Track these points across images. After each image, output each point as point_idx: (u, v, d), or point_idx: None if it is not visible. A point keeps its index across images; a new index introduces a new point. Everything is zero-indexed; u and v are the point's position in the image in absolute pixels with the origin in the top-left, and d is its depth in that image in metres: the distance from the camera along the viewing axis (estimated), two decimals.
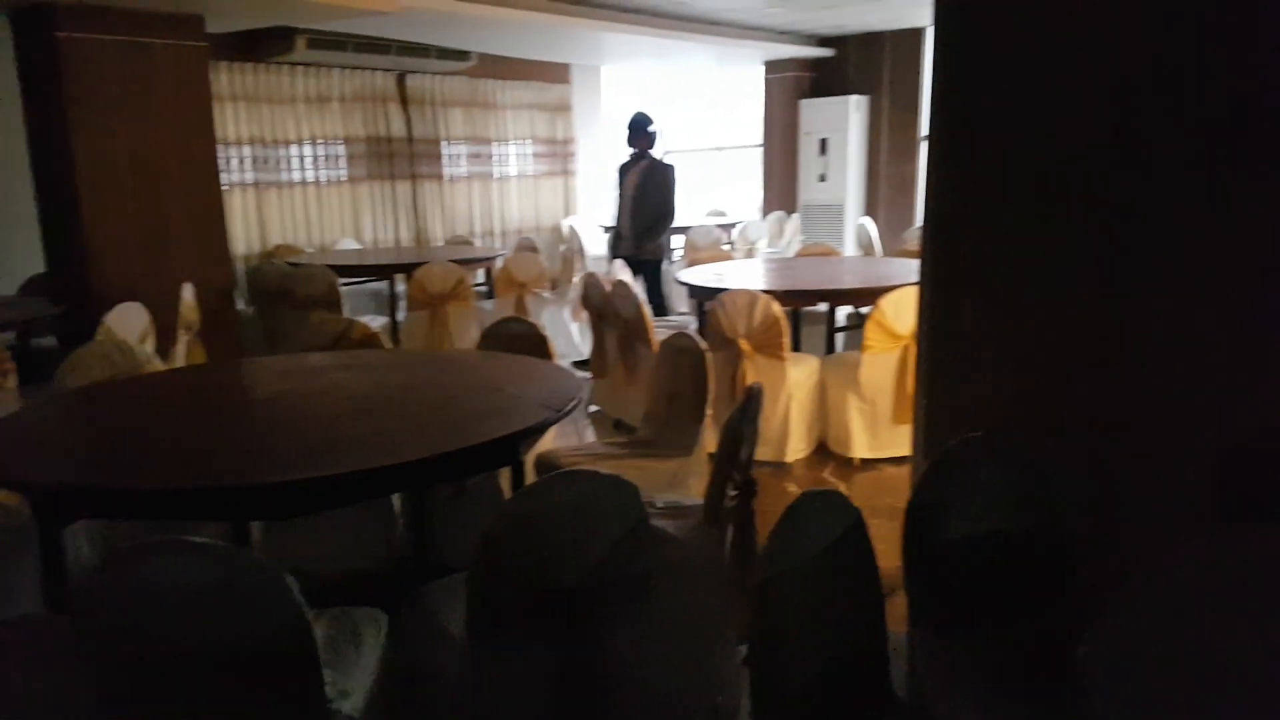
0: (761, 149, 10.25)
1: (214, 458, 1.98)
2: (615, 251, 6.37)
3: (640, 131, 6.20)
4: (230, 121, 6.69)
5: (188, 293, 4.25)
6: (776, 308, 4.02)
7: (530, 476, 2.33)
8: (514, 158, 9.10)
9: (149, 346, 3.42)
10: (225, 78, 6.60)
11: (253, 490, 1.79)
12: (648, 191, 6.15)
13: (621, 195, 6.30)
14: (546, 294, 6.19)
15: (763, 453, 3.91)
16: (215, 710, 1.52)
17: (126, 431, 2.22)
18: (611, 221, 6.55)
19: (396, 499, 2.71)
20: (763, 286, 4.36)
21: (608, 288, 4.72)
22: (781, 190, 10.03)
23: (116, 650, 1.49)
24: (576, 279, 6.45)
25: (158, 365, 2.99)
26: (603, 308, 4.76)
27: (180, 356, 3.86)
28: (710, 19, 7.83)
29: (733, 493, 2.25)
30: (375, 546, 2.62)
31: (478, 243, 8.41)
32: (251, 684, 1.55)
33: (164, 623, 1.48)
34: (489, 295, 6.42)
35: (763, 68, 9.94)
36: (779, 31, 8.81)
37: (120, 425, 2.27)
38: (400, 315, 5.87)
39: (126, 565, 1.53)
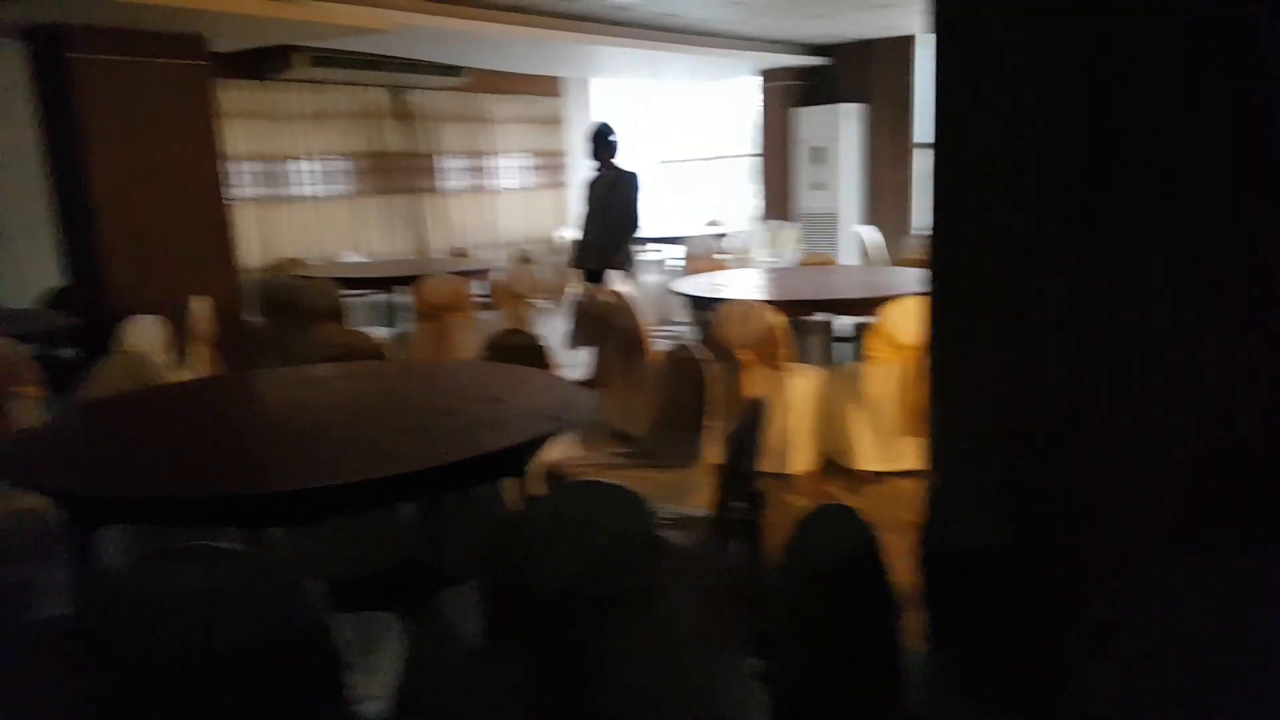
0: (756, 158, 10.36)
1: (232, 466, 2.06)
2: (581, 264, 6.28)
3: (601, 142, 6.09)
4: (236, 138, 6.79)
5: (199, 305, 4.34)
6: (776, 318, 4.07)
7: (534, 486, 2.41)
8: (508, 170, 9.20)
9: (165, 358, 3.51)
10: (230, 95, 6.70)
11: (271, 498, 1.87)
12: (613, 203, 6.06)
13: (588, 207, 6.22)
14: (545, 305, 6.27)
15: (765, 464, 3.95)
16: (238, 715, 1.59)
17: (150, 441, 2.29)
18: (578, 234, 6.48)
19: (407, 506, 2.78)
20: (762, 296, 4.40)
21: (605, 298, 4.80)
22: (778, 199, 10.13)
23: (142, 652, 1.55)
24: (571, 290, 6.53)
25: (174, 377, 3.08)
26: (601, 319, 4.85)
27: (193, 368, 3.95)
28: (701, 30, 7.92)
29: (738, 505, 2.30)
30: (389, 552, 2.69)
31: (476, 255, 8.51)
32: (274, 688, 1.61)
33: (188, 626, 1.55)
34: (489, 307, 6.51)
35: (755, 77, 10.05)
36: (771, 41, 8.91)
37: (143, 435, 2.35)
38: (405, 327, 5.95)
39: (152, 569, 1.60)
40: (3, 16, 4.37)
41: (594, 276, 5.92)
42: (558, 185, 9.78)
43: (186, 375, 3.72)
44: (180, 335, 4.08)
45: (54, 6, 4.26)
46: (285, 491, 1.85)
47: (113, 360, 3.04)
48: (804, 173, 9.79)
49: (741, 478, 2.28)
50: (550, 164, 9.66)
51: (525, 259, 7.30)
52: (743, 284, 5.17)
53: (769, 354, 4.10)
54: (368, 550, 2.67)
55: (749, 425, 2.28)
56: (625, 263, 6.19)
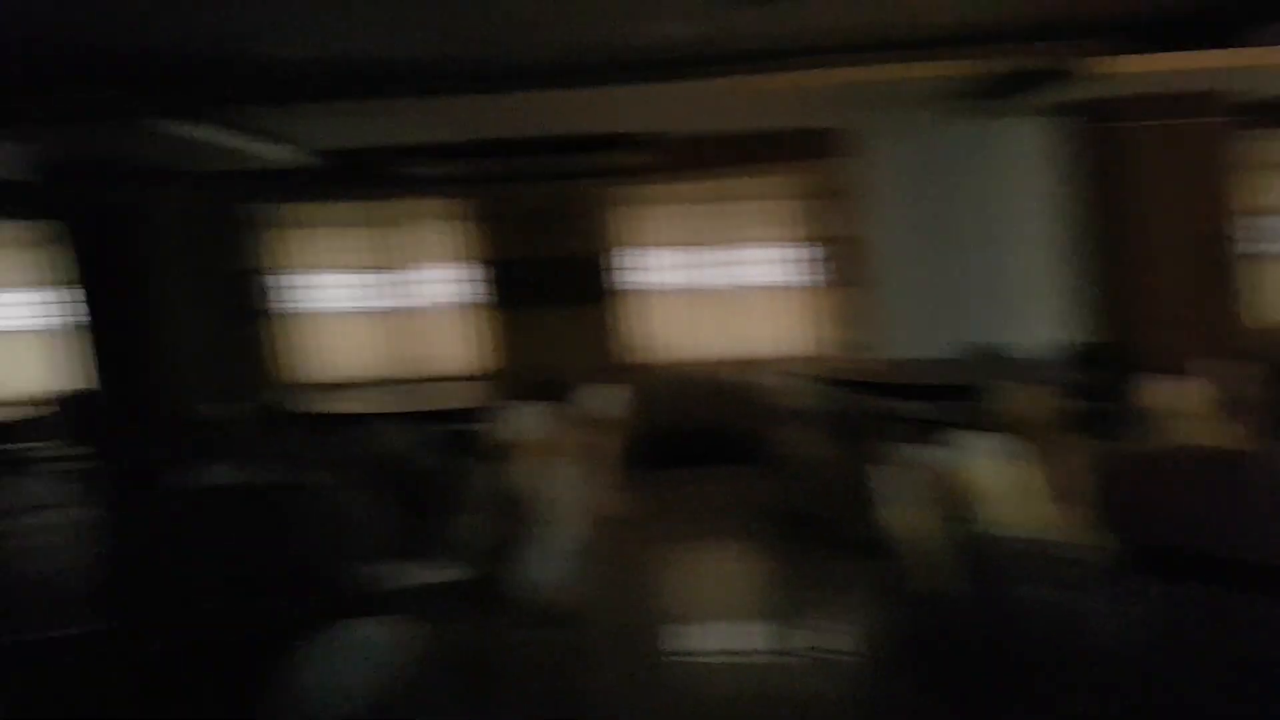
0: None
1: None
2: None
3: None
4: (1261, 191, 6.39)
5: (1246, 370, 4.18)
6: None
7: None
8: None
9: (1203, 419, 3.47)
10: (1251, 147, 6.34)
11: None
12: None
13: None
14: None
15: None
16: None
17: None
18: None
19: None
20: None
21: None
22: None
23: None
24: None
25: (1211, 440, 3.03)
26: None
27: (1228, 433, 3.78)
28: None
29: None
30: None
31: None
32: None
33: None
34: None
35: None
36: None
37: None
38: None
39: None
40: (1042, 99, 4.95)
41: None
42: None
43: (1223, 439, 3.61)
44: (1227, 398, 3.97)
45: (1099, 85, 4.66)
46: None
47: (1147, 417, 3.15)
48: None
49: None
50: None
51: None
52: None
53: None
54: None
55: None
56: None
